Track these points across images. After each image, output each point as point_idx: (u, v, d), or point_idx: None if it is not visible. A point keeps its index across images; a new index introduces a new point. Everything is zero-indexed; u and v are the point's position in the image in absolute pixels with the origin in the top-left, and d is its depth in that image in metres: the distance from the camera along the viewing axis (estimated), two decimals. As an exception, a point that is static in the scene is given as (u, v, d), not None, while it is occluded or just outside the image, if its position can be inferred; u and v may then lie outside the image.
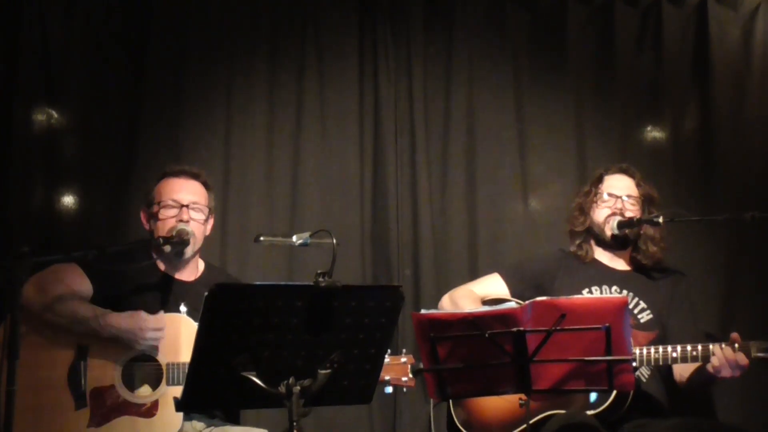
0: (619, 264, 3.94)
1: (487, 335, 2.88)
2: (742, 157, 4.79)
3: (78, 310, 3.41)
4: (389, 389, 3.54)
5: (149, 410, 3.39)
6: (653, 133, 4.91)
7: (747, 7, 4.91)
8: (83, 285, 3.50)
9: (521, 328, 2.87)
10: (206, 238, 3.75)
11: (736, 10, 4.91)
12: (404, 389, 3.60)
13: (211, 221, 3.76)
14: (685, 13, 4.91)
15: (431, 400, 3.74)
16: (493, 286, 3.94)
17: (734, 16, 4.90)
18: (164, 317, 3.41)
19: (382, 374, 3.29)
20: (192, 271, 3.72)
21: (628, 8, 4.90)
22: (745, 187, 4.74)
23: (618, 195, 3.88)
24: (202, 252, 3.78)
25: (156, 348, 3.40)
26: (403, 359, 3.54)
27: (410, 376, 3.54)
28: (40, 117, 4.49)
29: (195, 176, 3.72)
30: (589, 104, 4.87)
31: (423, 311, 3.03)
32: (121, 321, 3.38)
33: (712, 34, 4.85)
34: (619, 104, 4.87)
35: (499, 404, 3.58)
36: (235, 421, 3.62)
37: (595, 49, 4.90)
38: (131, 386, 3.42)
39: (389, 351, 3.38)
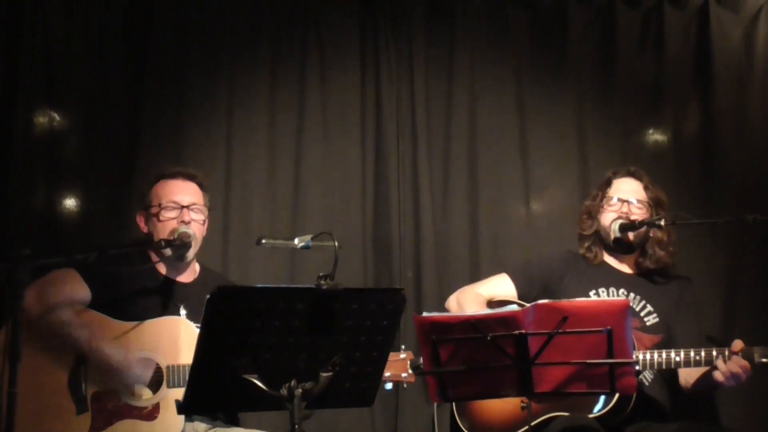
0: (627, 267, 3.94)
1: (488, 338, 2.88)
2: (743, 159, 4.79)
3: (72, 332, 3.39)
4: (389, 386, 3.53)
5: (150, 413, 3.38)
6: (655, 135, 4.91)
7: (749, 9, 4.91)
8: (82, 292, 3.48)
9: (523, 331, 2.87)
10: (204, 240, 3.76)
11: (737, 12, 4.91)
12: (404, 385, 3.59)
13: (206, 222, 3.76)
14: (686, 15, 4.91)
15: (435, 403, 3.74)
16: (501, 286, 3.94)
17: (736, 18, 4.91)
18: (152, 366, 3.39)
19: None
20: (190, 272, 3.72)
21: (630, 10, 4.90)
22: (746, 189, 4.74)
23: (626, 199, 3.88)
24: (203, 255, 3.77)
25: (128, 391, 3.37)
26: (403, 355, 3.54)
27: (410, 371, 3.53)
28: (41, 119, 4.49)
29: (191, 177, 3.71)
30: (590, 106, 4.87)
31: (425, 314, 3.03)
32: (112, 354, 3.36)
33: (714, 36, 4.85)
34: (620, 106, 4.87)
35: (501, 407, 3.58)
36: (237, 423, 3.62)
37: (596, 51, 4.90)
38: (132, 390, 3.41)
39: (389, 350, 3.38)
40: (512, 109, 4.82)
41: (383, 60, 4.74)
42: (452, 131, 4.76)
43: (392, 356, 3.47)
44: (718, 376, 3.44)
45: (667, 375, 3.77)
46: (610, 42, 4.88)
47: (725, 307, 4.65)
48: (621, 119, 4.86)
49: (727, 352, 3.45)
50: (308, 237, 3.13)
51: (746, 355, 3.43)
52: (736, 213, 4.26)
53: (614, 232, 3.84)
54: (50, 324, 3.37)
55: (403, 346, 3.58)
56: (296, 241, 3.14)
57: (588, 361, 2.90)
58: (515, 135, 4.80)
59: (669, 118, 4.89)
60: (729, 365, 3.42)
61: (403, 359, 3.53)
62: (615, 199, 3.88)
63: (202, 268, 3.79)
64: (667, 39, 4.87)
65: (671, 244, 3.90)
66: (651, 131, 4.91)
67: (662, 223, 3.76)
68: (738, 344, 3.45)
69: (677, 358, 3.51)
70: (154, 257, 3.64)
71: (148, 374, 3.39)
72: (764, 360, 3.43)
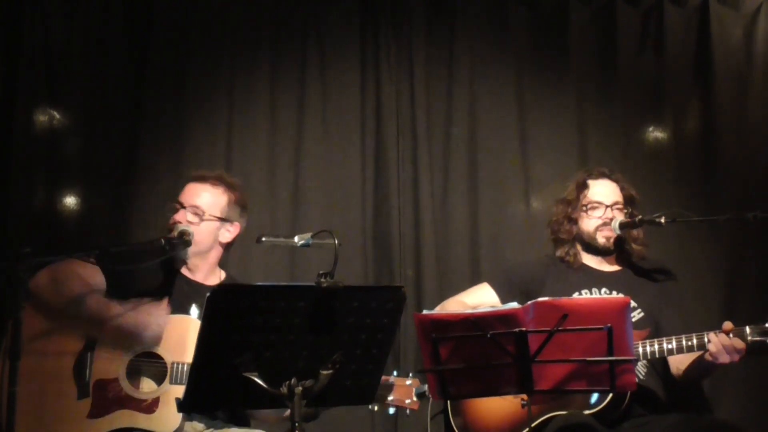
0: (607, 266, 3.94)
1: (489, 335, 2.88)
2: (743, 157, 4.80)
3: (86, 300, 3.40)
4: (392, 410, 3.54)
5: (149, 406, 3.39)
6: (655, 133, 4.91)
7: (749, 7, 4.92)
8: (97, 278, 3.49)
9: (523, 329, 2.87)
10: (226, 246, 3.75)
11: (737, 10, 4.92)
12: (407, 411, 3.60)
13: (230, 228, 3.73)
14: (686, 13, 4.92)
15: (428, 411, 3.74)
16: (483, 295, 3.93)
17: (736, 16, 4.92)
18: (168, 309, 3.42)
19: (386, 395, 3.35)
20: (208, 274, 3.72)
21: (630, 8, 4.91)
22: (746, 186, 4.74)
23: (607, 204, 3.87)
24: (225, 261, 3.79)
25: (158, 341, 3.40)
26: (409, 382, 3.53)
27: (414, 399, 3.53)
28: (42, 117, 4.50)
29: (204, 179, 3.72)
30: (590, 104, 4.87)
31: (425, 312, 3.04)
32: (127, 313, 3.38)
33: (714, 34, 4.86)
34: (620, 104, 4.87)
35: (499, 406, 3.58)
36: (240, 423, 3.62)
37: (596, 50, 4.91)
38: (135, 381, 3.42)
39: (394, 362, 3.39)
40: (512, 108, 4.82)
41: (383, 59, 4.74)
42: (452, 130, 4.76)
43: (398, 381, 3.48)
44: (711, 348, 3.43)
45: (660, 366, 3.78)
46: (610, 40, 4.89)
47: (725, 304, 4.65)
48: (621, 117, 4.87)
49: (719, 332, 3.45)
50: (308, 235, 3.12)
51: (738, 334, 3.44)
52: (737, 210, 4.25)
53: (615, 230, 3.84)
54: (68, 298, 3.38)
55: (411, 374, 3.57)
56: (296, 239, 3.14)
57: (588, 358, 2.90)
58: (515, 133, 4.80)
59: (669, 116, 4.89)
60: (721, 337, 3.42)
61: (409, 386, 3.53)
62: (596, 204, 3.88)
63: (229, 276, 3.80)
64: (668, 37, 4.88)
65: (645, 239, 3.92)
66: (651, 129, 4.91)
67: (662, 220, 3.77)
68: (728, 325, 3.45)
69: (669, 346, 3.52)
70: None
71: (165, 320, 3.40)
72: (757, 338, 3.43)
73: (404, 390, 3.51)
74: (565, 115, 4.84)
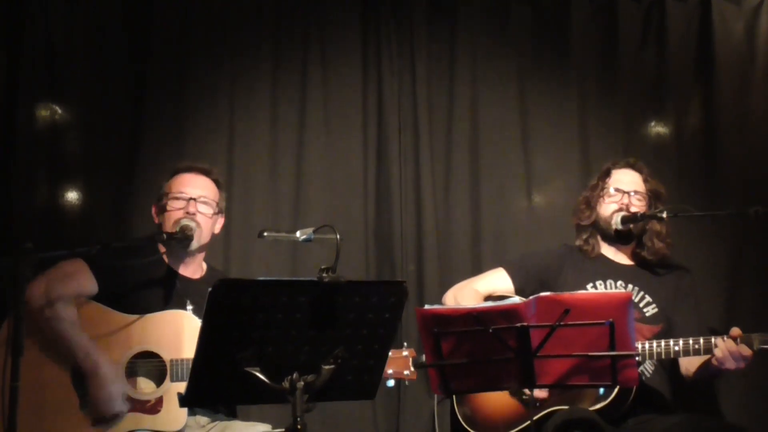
0: (624, 259, 3.94)
1: (491, 330, 2.88)
2: (745, 152, 4.80)
3: (73, 337, 3.37)
4: (391, 382, 3.54)
5: (154, 407, 3.39)
6: (657, 129, 4.91)
7: (751, 2, 4.92)
8: (89, 284, 3.47)
9: (525, 324, 2.87)
10: (213, 237, 3.76)
11: (739, 6, 4.92)
12: (406, 382, 3.60)
13: (221, 221, 3.75)
14: (688, 8, 4.91)
15: (435, 397, 3.75)
16: (497, 281, 3.93)
17: (738, 12, 4.91)
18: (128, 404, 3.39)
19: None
20: (197, 269, 3.72)
21: (632, 4, 4.91)
22: (748, 182, 4.74)
23: (625, 190, 3.88)
24: (207, 252, 3.77)
25: (102, 407, 3.34)
26: (405, 353, 3.54)
27: (412, 369, 3.54)
28: (43, 113, 4.49)
29: (206, 173, 3.73)
30: (592, 100, 4.87)
31: (427, 306, 3.03)
32: (102, 365, 3.34)
33: (716, 29, 4.86)
34: (622, 100, 4.87)
35: (502, 400, 3.58)
36: (236, 416, 3.63)
37: (598, 45, 4.90)
38: (134, 383, 3.42)
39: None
40: (514, 103, 4.82)
41: (385, 54, 4.73)
42: (454, 125, 4.76)
43: (394, 353, 3.48)
44: (717, 353, 3.44)
45: (668, 365, 3.78)
46: (612, 35, 4.88)
47: (727, 300, 4.65)
48: (623, 112, 4.86)
49: (726, 338, 3.46)
50: (310, 230, 3.12)
51: (745, 341, 3.44)
52: (738, 205, 4.26)
53: (616, 224, 3.84)
54: (48, 320, 3.36)
55: (405, 344, 3.58)
56: (298, 234, 3.14)
57: (590, 353, 2.90)
58: (517, 129, 4.80)
59: (671, 111, 4.89)
60: (727, 343, 3.43)
61: (405, 356, 3.54)
62: (614, 190, 3.89)
63: (210, 267, 3.79)
64: (669, 32, 4.88)
65: (669, 236, 3.90)
66: (653, 124, 4.91)
67: (664, 215, 3.77)
68: (736, 331, 3.46)
69: (676, 348, 3.52)
70: (162, 249, 3.65)
71: (125, 405, 3.36)
72: (764, 347, 3.43)
73: (401, 361, 3.52)
74: (566, 111, 4.84)
